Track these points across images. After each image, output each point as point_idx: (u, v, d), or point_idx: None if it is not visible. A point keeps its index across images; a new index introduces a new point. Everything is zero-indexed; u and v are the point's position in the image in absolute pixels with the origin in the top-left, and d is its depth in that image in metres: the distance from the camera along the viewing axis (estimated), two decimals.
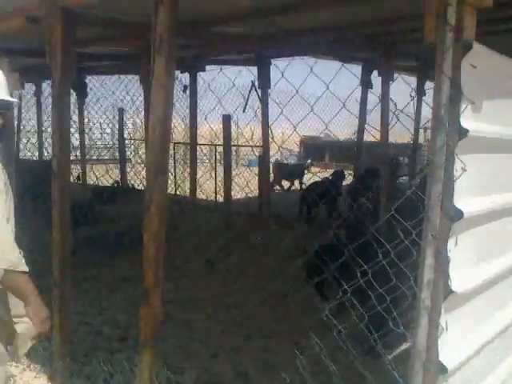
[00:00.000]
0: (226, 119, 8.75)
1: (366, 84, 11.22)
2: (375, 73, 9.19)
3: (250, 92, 10.12)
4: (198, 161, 12.17)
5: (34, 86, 12.99)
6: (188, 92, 10.85)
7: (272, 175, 12.11)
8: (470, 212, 1.95)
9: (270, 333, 4.69)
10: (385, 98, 7.63)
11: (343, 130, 16.41)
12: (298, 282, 5.21)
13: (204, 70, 10.69)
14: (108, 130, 18.42)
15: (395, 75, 8.17)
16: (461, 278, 1.96)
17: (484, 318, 2.36)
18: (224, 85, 10.87)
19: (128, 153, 15.18)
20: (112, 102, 14.76)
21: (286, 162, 16.84)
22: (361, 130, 11.62)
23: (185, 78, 11.07)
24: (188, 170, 11.53)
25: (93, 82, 13.30)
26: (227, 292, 5.80)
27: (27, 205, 5.39)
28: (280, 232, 5.82)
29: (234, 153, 21.67)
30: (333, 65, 8.99)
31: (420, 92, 12.97)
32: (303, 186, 13.42)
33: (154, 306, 2.73)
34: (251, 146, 13.52)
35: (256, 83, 10.08)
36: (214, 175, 11.41)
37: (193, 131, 10.87)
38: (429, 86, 14.14)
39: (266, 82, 9.76)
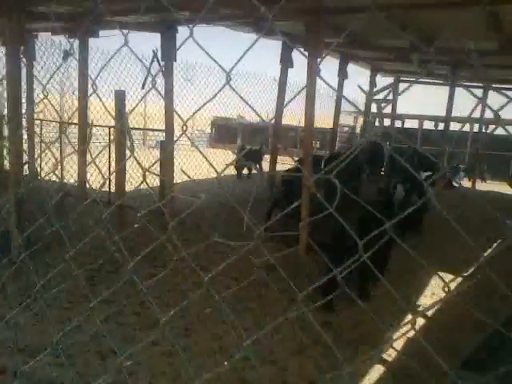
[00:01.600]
0: (119, 96, 7.12)
1: (286, 62, 10.04)
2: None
3: (151, 64, 8.49)
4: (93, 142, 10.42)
5: None
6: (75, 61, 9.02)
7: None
8: None
9: None
10: (311, 77, 6.43)
11: (261, 111, 15.14)
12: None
13: (97, 36, 8.95)
14: None
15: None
16: None
17: None
18: (125, 54, 9.21)
19: None
20: None
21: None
22: (279, 112, 10.46)
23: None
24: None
25: None
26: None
27: None
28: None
29: (140, 133, 19.96)
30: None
31: (342, 73, 12.07)
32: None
33: None
34: (148, 130, 11.86)
35: (159, 54, 8.52)
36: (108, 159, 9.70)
37: (82, 108, 9.06)
38: (353, 68, 13.40)
39: (171, 53, 8.25)
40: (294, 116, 18.56)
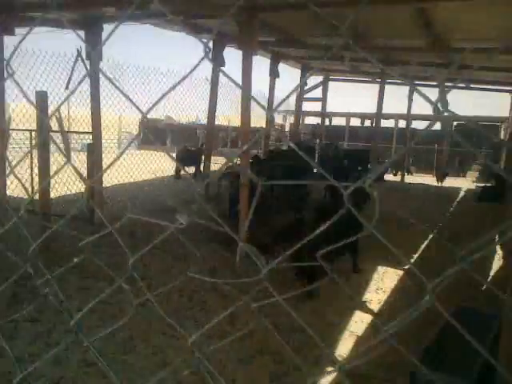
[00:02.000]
0: (41, 97, 6.60)
1: (217, 61, 9.82)
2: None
3: (74, 64, 7.98)
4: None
5: None
6: None
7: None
8: None
9: None
10: (245, 76, 6.26)
11: (189, 112, 14.79)
12: None
13: (13, 34, 8.31)
14: None
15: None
16: None
17: None
18: (46, 53, 8.65)
19: None
20: None
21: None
22: (212, 113, 10.22)
23: None
24: None
25: None
26: None
27: None
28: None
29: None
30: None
31: (273, 73, 12.02)
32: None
33: None
34: (73, 132, 11.25)
35: (83, 53, 8.04)
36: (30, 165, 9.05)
37: None
38: (283, 67, 13.37)
39: (96, 52, 7.78)
40: (224, 116, 18.39)
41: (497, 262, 6.71)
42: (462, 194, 13.87)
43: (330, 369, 4.03)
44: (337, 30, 7.99)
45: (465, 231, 8.71)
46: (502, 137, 20.81)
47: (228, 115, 17.38)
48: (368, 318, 4.69)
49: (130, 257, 1.15)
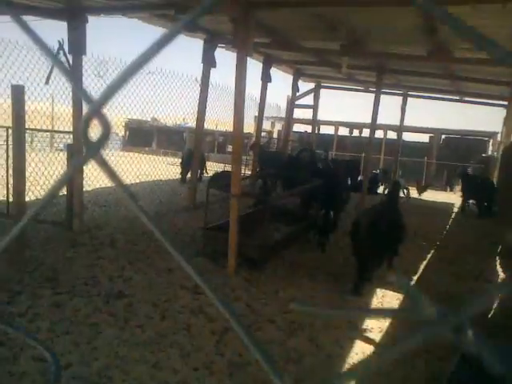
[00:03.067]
0: (17, 91, 6.07)
1: (208, 61, 9.37)
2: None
3: (55, 57, 7.42)
4: None
5: None
6: None
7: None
8: None
9: None
10: (241, 78, 5.81)
11: (177, 114, 14.30)
12: None
13: None
14: None
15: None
16: None
17: None
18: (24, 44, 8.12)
19: None
20: None
21: None
22: (201, 115, 9.76)
23: None
24: None
25: None
26: None
27: None
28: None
29: (47, 135, 18.27)
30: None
31: (266, 77, 11.60)
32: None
33: None
34: (54, 131, 10.68)
35: (66, 46, 7.51)
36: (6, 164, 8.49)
37: None
38: (275, 71, 12.97)
39: (80, 45, 7.27)
40: (212, 120, 17.91)
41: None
42: (455, 209, 13.61)
43: None
44: (334, 34, 7.64)
45: (463, 248, 8.40)
46: (489, 152, 20.72)
47: (216, 119, 16.92)
48: (369, 348, 4.27)
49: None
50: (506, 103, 13.83)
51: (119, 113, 10.90)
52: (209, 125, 18.35)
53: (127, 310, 4.57)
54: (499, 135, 17.71)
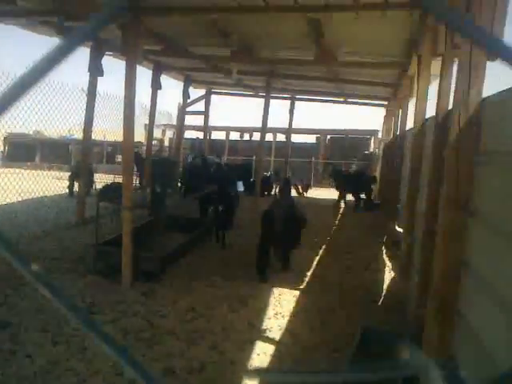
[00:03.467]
0: None
1: (94, 70, 9.00)
2: None
3: None
4: None
5: None
6: None
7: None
8: None
9: None
10: (130, 85, 5.65)
11: (61, 125, 13.57)
12: None
13: None
14: None
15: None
16: None
17: None
18: None
19: None
20: None
21: None
22: (88, 126, 9.35)
23: None
24: None
25: None
26: None
27: None
28: None
29: None
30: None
31: (156, 84, 11.41)
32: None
33: None
34: None
35: None
36: None
37: None
38: (166, 79, 12.78)
39: None
40: (100, 130, 17.22)
41: (388, 274, 6.80)
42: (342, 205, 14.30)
43: None
44: (225, 40, 7.73)
45: (352, 240, 8.87)
46: (371, 149, 22.11)
47: (104, 129, 16.30)
48: (271, 348, 4.34)
49: None
50: (385, 103, 14.84)
51: None
52: (97, 135, 17.64)
53: (14, 340, 4.23)
54: (380, 133, 18.99)
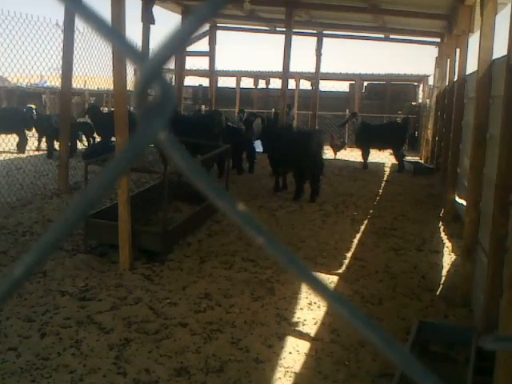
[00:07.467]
0: None
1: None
2: None
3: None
4: None
5: None
6: None
7: None
8: None
9: None
10: (118, 20, 5.64)
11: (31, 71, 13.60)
12: None
13: None
14: None
15: None
16: None
17: None
18: None
19: None
20: None
21: None
22: (66, 71, 9.38)
23: None
24: None
25: None
26: None
27: None
28: None
29: None
30: None
31: (147, 19, 11.36)
32: None
33: None
34: None
35: None
36: None
37: None
38: (159, 10, 12.66)
39: None
40: (79, 77, 17.21)
41: (447, 257, 6.82)
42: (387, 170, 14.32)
43: None
44: None
45: (400, 215, 8.87)
46: (420, 99, 21.89)
47: (84, 75, 16.29)
48: (305, 345, 4.42)
49: None
50: (438, 40, 14.57)
51: None
52: (76, 83, 17.67)
53: None
54: (431, 79, 18.71)
